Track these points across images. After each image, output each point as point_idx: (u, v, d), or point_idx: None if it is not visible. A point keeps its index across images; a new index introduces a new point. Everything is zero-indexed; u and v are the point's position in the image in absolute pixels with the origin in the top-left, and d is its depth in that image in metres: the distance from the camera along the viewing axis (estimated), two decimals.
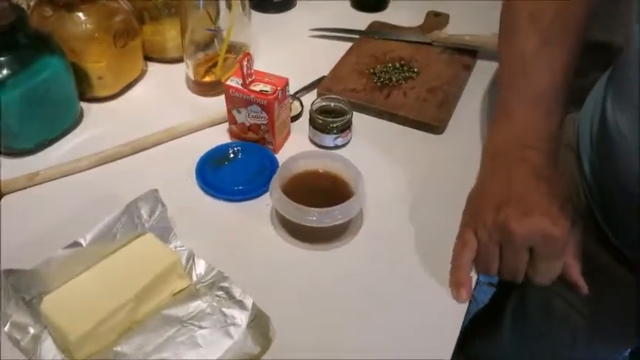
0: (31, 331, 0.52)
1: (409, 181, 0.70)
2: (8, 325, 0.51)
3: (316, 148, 0.75)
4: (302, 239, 0.62)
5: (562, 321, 0.74)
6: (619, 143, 0.54)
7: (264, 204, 0.66)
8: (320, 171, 0.66)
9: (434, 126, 0.77)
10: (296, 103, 0.81)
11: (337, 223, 0.60)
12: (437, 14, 0.99)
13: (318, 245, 0.62)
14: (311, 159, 0.67)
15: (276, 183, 0.62)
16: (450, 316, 0.56)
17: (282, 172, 0.64)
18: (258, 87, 0.69)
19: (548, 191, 0.52)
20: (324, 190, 0.65)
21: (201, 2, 0.77)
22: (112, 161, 0.71)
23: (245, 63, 0.67)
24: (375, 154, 0.74)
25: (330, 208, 0.59)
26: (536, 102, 0.56)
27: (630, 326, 0.70)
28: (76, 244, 0.53)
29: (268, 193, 0.63)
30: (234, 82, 0.69)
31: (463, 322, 0.56)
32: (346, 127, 0.74)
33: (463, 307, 0.57)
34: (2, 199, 0.66)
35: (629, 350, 0.97)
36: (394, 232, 0.64)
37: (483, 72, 0.87)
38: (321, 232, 0.61)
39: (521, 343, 0.85)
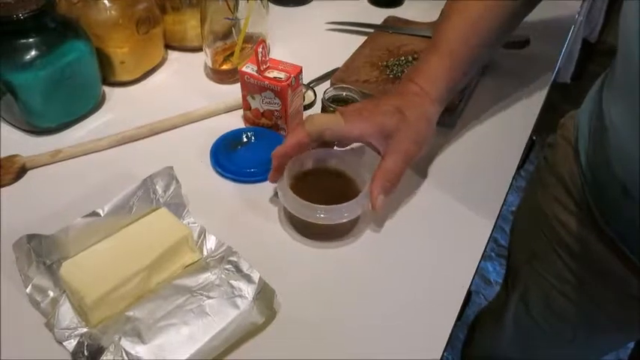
0: (51, 294, 0.55)
1: (419, 176, 0.71)
2: (30, 287, 0.54)
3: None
4: (309, 236, 0.63)
5: (561, 316, 0.75)
6: (610, 132, 0.55)
7: (274, 186, 0.68)
8: (328, 168, 0.66)
9: (445, 119, 0.77)
10: (310, 93, 0.83)
11: (343, 220, 0.60)
12: None
13: (324, 242, 0.63)
14: (320, 156, 0.66)
15: (284, 180, 0.62)
16: (443, 314, 0.57)
17: (290, 169, 0.63)
18: (272, 74, 0.71)
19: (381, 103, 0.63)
20: (332, 187, 0.65)
21: None
22: (131, 142, 0.74)
23: (260, 50, 0.69)
24: None
25: (336, 206, 0.59)
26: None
27: (628, 319, 0.71)
28: (95, 213, 0.56)
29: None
30: (249, 68, 0.72)
31: (470, 318, 0.56)
32: None
33: (457, 306, 0.57)
34: (27, 174, 0.70)
35: (632, 344, 0.97)
36: (402, 227, 0.65)
37: (496, 66, 0.89)
38: (327, 228, 0.61)
39: (523, 340, 0.86)
